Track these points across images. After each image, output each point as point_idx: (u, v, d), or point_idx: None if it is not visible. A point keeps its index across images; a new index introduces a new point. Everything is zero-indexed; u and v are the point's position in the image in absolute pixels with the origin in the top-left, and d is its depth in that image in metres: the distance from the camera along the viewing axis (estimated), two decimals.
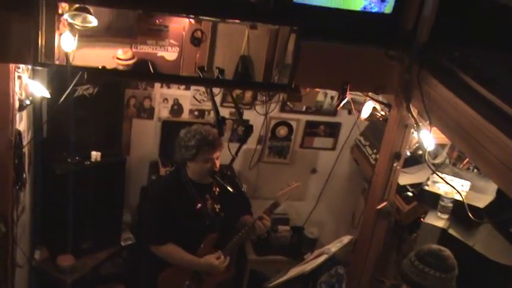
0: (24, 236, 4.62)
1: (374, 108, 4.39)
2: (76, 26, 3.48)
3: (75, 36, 3.49)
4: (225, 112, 5.20)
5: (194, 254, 4.09)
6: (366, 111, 4.39)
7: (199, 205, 4.07)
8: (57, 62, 3.45)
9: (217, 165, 4.03)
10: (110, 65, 3.87)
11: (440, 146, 4.57)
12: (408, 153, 4.39)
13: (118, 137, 5.29)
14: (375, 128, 5.41)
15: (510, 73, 3.42)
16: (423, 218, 4.21)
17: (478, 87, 3.13)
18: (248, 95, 5.66)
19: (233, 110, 5.37)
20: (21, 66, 3.56)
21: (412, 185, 4.69)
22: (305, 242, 6.20)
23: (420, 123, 3.70)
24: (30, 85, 3.71)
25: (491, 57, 3.45)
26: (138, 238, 5.35)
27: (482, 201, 3.93)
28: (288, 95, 4.59)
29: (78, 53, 3.60)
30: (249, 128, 3.94)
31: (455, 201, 3.93)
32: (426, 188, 4.23)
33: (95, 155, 4.96)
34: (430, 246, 3.09)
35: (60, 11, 3.48)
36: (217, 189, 4.17)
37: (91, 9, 3.49)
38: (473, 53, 3.45)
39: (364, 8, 3.79)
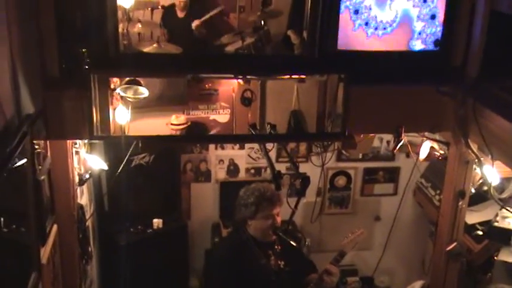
0: None
1: (432, 148, 4.29)
2: (128, 99, 3.58)
3: (128, 108, 3.59)
4: (280, 167, 5.19)
5: None
6: (423, 152, 4.29)
7: (264, 261, 4.02)
8: (115, 135, 3.53)
9: (279, 221, 4.00)
10: (164, 132, 3.95)
11: (506, 179, 4.39)
12: (473, 190, 4.24)
13: (178, 203, 5.35)
14: (435, 168, 5.28)
15: None
16: (496, 256, 4.02)
17: None
18: (302, 148, 5.65)
19: (289, 164, 5.36)
20: (78, 141, 3.67)
21: (480, 223, 4.51)
22: None
23: (482, 158, 3.58)
24: (88, 159, 3.81)
25: None
26: None
27: None
28: (343, 143, 4.55)
29: (132, 125, 3.68)
30: (305, 180, 3.91)
31: None
32: (496, 224, 4.06)
33: (157, 222, 5.01)
34: (503, 286, 2.95)
35: (112, 86, 3.61)
36: (280, 247, 4.12)
37: (142, 81, 3.60)
38: None
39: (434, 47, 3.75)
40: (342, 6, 3.55)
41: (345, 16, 3.58)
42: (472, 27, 3.49)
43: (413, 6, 3.65)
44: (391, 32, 3.69)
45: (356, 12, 3.61)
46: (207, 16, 4.61)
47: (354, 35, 3.63)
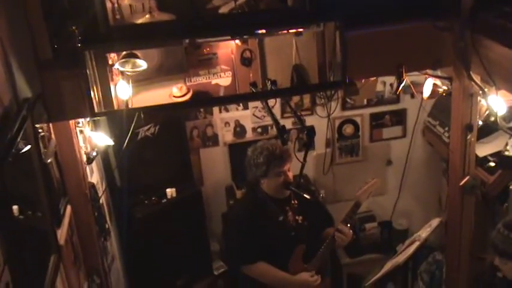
0: (120, 283, 4.73)
1: (435, 85, 4.26)
2: (127, 73, 3.57)
3: (129, 82, 3.58)
4: (286, 122, 5.19)
5: (285, 268, 4.06)
6: (427, 90, 4.26)
7: (282, 217, 4.05)
8: (117, 109, 3.52)
9: (290, 176, 4.02)
10: (169, 101, 3.95)
11: None
12: (480, 123, 4.22)
13: (189, 170, 5.37)
14: (441, 105, 5.25)
15: None
16: (511, 185, 4.03)
17: None
18: (306, 100, 5.63)
19: (294, 119, 5.35)
20: (81, 120, 3.67)
21: (491, 155, 4.49)
22: (396, 235, 6.07)
23: (486, 89, 3.55)
24: (93, 137, 3.82)
25: None
26: (229, 264, 5.38)
27: None
28: (345, 90, 4.53)
29: (135, 99, 3.68)
30: (310, 131, 3.92)
31: None
32: (507, 153, 4.06)
33: (170, 191, 5.04)
34: None
35: (110, 62, 3.59)
36: (296, 202, 4.15)
37: (139, 53, 3.57)
38: None
39: None
40: None
41: None
42: None
43: None
44: None
45: None
46: None
47: None
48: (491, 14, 3.31)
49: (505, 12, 3.22)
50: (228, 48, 4.32)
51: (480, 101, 3.88)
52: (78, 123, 3.66)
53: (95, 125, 3.98)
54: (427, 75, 4.27)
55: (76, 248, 3.44)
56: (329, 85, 4.00)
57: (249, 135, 5.66)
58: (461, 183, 4.13)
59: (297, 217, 4.13)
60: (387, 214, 6.25)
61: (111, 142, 3.82)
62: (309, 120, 5.56)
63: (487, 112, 4.28)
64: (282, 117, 5.47)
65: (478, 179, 4.28)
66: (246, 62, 4.24)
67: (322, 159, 5.84)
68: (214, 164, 5.70)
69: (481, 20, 3.37)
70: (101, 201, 4.10)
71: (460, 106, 3.95)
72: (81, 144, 3.71)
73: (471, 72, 3.57)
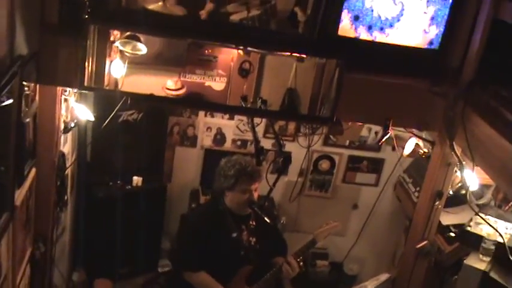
0: (63, 257, 4.69)
1: (417, 145, 4.32)
2: (126, 53, 3.57)
3: (125, 63, 3.58)
4: (266, 143, 5.22)
5: (226, 285, 4.06)
6: (408, 148, 4.32)
7: (235, 234, 4.06)
8: (106, 88, 3.53)
9: (255, 196, 4.03)
10: (158, 93, 3.94)
11: (485, 186, 4.45)
12: (451, 192, 4.29)
13: (160, 164, 5.37)
14: (419, 165, 5.31)
15: None
16: (465, 260, 4.08)
17: None
18: (291, 127, 5.67)
19: (275, 142, 5.37)
20: (68, 89, 3.66)
21: (454, 225, 4.56)
22: (343, 279, 6.11)
23: (464, 162, 3.61)
24: (76, 108, 3.81)
25: None
26: (173, 266, 5.37)
27: None
28: (330, 127, 4.57)
29: (127, 80, 3.67)
30: (287, 159, 3.93)
31: (498, 244, 3.80)
32: (469, 229, 4.11)
33: (137, 180, 5.03)
34: None
35: (112, 38, 3.59)
36: (254, 223, 4.16)
37: (141, 37, 3.58)
38: None
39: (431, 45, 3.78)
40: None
41: (345, 24, 3.61)
42: (473, 32, 3.50)
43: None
44: (396, 27, 3.70)
45: (356, 18, 3.62)
46: None
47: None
48: (487, 93, 3.39)
49: (501, 96, 3.30)
50: (229, 54, 4.33)
51: (456, 171, 3.95)
52: (65, 91, 3.65)
53: (81, 97, 3.97)
54: (411, 134, 4.33)
55: (30, 211, 3.41)
56: (317, 119, 4.03)
57: (228, 145, 5.68)
58: (418, 246, 4.18)
59: (251, 238, 4.14)
60: (341, 256, 6.29)
61: (91, 118, 3.81)
62: (289, 146, 5.60)
63: (459, 184, 4.35)
64: (264, 136, 5.50)
65: (436, 245, 4.34)
66: (243, 72, 4.25)
67: (292, 187, 5.87)
68: (187, 165, 5.70)
69: (475, 96, 3.44)
70: (66, 172, 4.08)
71: (435, 171, 4.01)
72: (63, 112, 3.69)
73: (454, 143, 3.64)
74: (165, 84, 4.01)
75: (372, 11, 3.64)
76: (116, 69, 3.53)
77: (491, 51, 3.53)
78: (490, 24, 3.42)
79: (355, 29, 3.66)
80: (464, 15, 3.61)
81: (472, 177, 3.57)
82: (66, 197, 4.13)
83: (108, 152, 4.80)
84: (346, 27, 3.65)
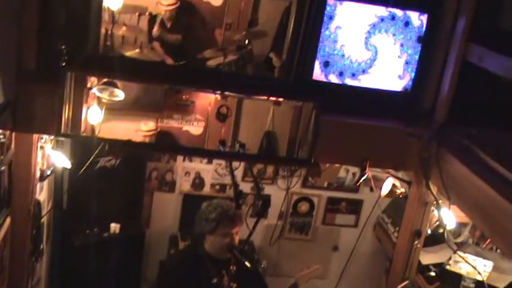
0: None
1: (394, 185, 4.36)
2: (103, 100, 3.59)
3: (102, 109, 3.59)
4: (245, 187, 5.22)
5: None
6: (386, 188, 4.36)
7: (216, 280, 4.01)
8: (83, 134, 3.53)
9: (236, 240, 4.01)
10: (135, 137, 3.95)
11: (463, 224, 4.49)
12: (429, 231, 4.31)
13: (138, 210, 5.33)
14: (397, 205, 5.35)
15: None
16: None
17: (496, 165, 3.10)
18: (270, 170, 5.68)
19: (254, 185, 5.38)
20: (45, 136, 3.65)
21: (434, 265, 4.58)
22: None
23: (440, 201, 3.66)
24: (52, 156, 3.79)
25: (508, 137, 3.44)
26: None
27: (503, 281, 3.81)
28: (308, 169, 4.60)
29: (104, 126, 3.68)
30: (266, 202, 3.94)
31: (478, 282, 3.82)
32: (448, 267, 4.14)
33: (114, 227, 4.97)
34: None
35: (89, 85, 3.61)
36: (235, 268, 4.12)
37: (119, 83, 3.61)
38: (491, 132, 3.45)
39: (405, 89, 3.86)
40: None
41: (315, 71, 3.70)
42: (444, 74, 3.60)
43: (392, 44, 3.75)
44: (369, 73, 3.79)
45: (326, 64, 3.70)
46: None
47: None
48: (459, 133, 3.46)
49: (472, 135, 3.37)
50: (206, 99, 4.37)
51: (433, 210, 3.98)
52: (41, 138, 3.63)
53: (57, 144, 3.95)
54: (388, 174, 4.38)
55: (4, 261, 3.35)
56: (295, 161, 4.07)
57: (207, 190, 5.66)
58: (399, 287, 4.18)
59: (231, 283, 4.08)
60: None
61: (68, 165, 3.79)
62: (268, 189, 5.60)
63: (437, 223, 4.39)
64: (243, 180, 5.50)
65: (416, 286, 4.33)
66: (221, 117, 4.28)
67: (272, 230, 5.85)
68: (165, 210, 5.66)
69: (448, 136, 3.51)
70: (42, 220, 4.03)
71: (413, 211, 4.05)
72: (39, 160, 3.67)
73: (430, 182, 3.69)
74: (140, 127, 4.03)
75: (343, 56, 3.73)
76: (93, 115, 3.54)
77: (461, 92, 3.63)
78: (459, 66, 3.51)
79: (325, 76, 3.73)
80: (434, 58, 3.72)
81: (449, 216, 3.61)
82: (41, 247, 4.07)
83: (85, 199, 4.75)
84: (317, 73, 3.73)
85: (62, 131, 3.23)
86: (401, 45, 3.76)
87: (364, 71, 3.78)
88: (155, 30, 4.56)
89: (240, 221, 3.99)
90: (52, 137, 3.65)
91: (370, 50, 3.74)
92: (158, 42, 4.66)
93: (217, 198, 4.16)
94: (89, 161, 3.64)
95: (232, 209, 3.96)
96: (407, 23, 3.74)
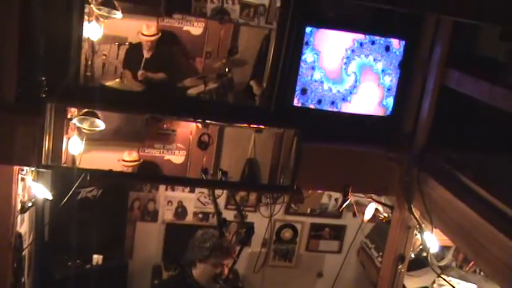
0: None
1: (377, 210, 4.37)
2: (84, 130, 3.57)
3: (82, 139, 3.57)
4: (228, 215, 5.18)
5: None
6: (368, 213, 4.37)
7: None
8: (64, 165, 3.51)
9: (226, 272, 3.99)
10: (117, 168, 3.93)
11: (446, 248, 4.50)
12: (413, 256, 4.32)
13: (121, 240, 5.27)
14: (380, 230, 5.35)
15: (507, 174, 3.44)
16: None
17: (477, 188, 3.14)
18: (252, 197, 5.67)
19: (237, 213, 5.36)
20: (25, 168, 3.62)
21: None
22: None
23: (423, 225, 3.67)
24: (33, 187, 3.75)
25: (488, 159, 3.49)
26: None
27: None
28: (291, 196, 4.60)
29: (85, 156, 3.66)
30: (250, 230, 3.93)
31: None
32: None
33: (97, 258, 4.92)
34: None
35: (69, 116, 3.59)
36: None
37: (99, 113, 3.60)
38: (471, 155, 3.50)
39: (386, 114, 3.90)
40: None
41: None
42: (423, 99, 3.65)
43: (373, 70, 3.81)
44: (349, 101, 3.83)
45: (304, 92, 3.73)
46: None
47: None
48: (439, 157, 3.50)
49: (452, 159, 3.41)
50: (188, 128, 4.37)
51: (416, 234, 4.00)
52: (22, 170, 3.60)
53: (38, 175, 3.91)
54: (371, 199, 4.39)
55: None
56: (277, 188, 4.08)
57: (189, 219, 5.63)
58: None
59: None
60: None
61: (49, 196, 3.75)
62: (251, 217, 5.59)
63: (420, 247, 4.40)
64: (226, 208, 5.48)
65: None
66: (202, 145, 4.28)
67: (256, 258, 5.82)
68: (148, 240, 5.61)
69: (429, 161, 3.55)
70: (23, 253, 3.97)
71: (396, 235, 4.05)
72: (19, 191, 3.63)
73: (412, 206, 3.71)
74: (121, 157, 4.01)
75: (322, 82, 3.76)
76: (74, 146, 3.52)
77: (441, 116, 3.68)
78: (438, 91, 3.57)
79: (303, 103, 3.76)
80: (413, 83, 3.77)
81: (431, 240, 3.63)
82: (23, 279, 4.00)
83: (67, 230, 4.69)
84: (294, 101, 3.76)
85: (43, 162, 3.21)
86: (383, 70, 3.81)
87: (344, 99, 3.81)
88: (140, 74, 4.56)
89: (233, 254, 3.99)
90: (33, 169, 3.61)
91: (350, 76, 3.78)
92: (129, 71, 4.66)
93: (213, 229, 4.14)
94: (70, 192, 3.61)
95: (227, 241, 3.96)
96: (388, 48, 3.79)
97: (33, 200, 3.84)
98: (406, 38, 3.79)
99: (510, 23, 3.27)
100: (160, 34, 4.66)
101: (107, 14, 4.17)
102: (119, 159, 4.08)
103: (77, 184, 3.49)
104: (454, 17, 3.32)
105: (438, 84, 3.55)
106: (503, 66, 3.90)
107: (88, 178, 3.41)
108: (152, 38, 4.62)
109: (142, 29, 4.62)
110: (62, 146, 3.44)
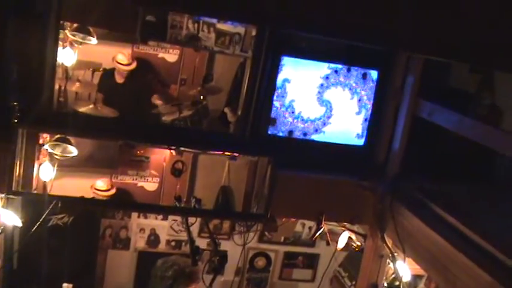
0: None
1: (350, 239, 4.38)
2: (56, 156, 3.54)
3: (54, 166, 3.54)
4: (202, 243, 5.12)
5: None
6: (342, 242, 4.37)
7: None
8: (35, 192, 3.46)
9: None
10: (89, 194, 3.89)
11: (418, 276, 4.51)
12: (385, 284, 4.33)
13: (92, 269, 5.18)
14: (353, 258, 5.36)
15: (479, 203, 3.49)
16: None
17: (448, 217, 3.18)
18: (226, 225, 5.64)
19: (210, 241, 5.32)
20: None
21: None
22: None
23: (395, 254, 3.69)
24: (2, 214, 3.67)
25: (459, 188, 3.54)
26: None
27: None
28: (264, 224, 4.59)
29: (56, 183, 3.62)
30: (223, 258, 3.90)
31: None
32: None
33: (67, 287, 4.81)
34: None
35: (41, 141, 3.56)
36: None
37: (72, 140, 3.57)
38: (442, 184, 3.54)
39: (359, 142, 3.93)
40: None
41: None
42: (396, 129, 3.70)
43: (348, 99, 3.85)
44: (323, 132, 3.86)
45: (273, 122, 3.77)
46: None
47: None
48: (412, 186, 3.54)
49: (424, 188, 3.45)
50: (161, 155, 4.37)
51: (388, 263, 4.01)
52: None
53: (8, 202, 3.84)
54: (344, 228, 4.40)
55: None
56: (251, 216, 4.06)
57: (162, 247, 5.57)
58: None
59: None
60: None
61: (19, 223, 3.68)
62: (225, 245, 5.54)
63: (393, 275, 4.40)
64: (199, 235, 5.42)
65: None
66: (176, 172, 4.27)
67: (229, 286, 5.76)
68: (120, 269, 5.52)
69: (402, 190, 3.58)
70: None
71: (369, 264, 4.07)
72: None
73: (385, 235, 3.73)
74: (94, 184, 3.97)
75: (293, 112, 3.79)
76: (45, 172, 3.48)
77: (414, 146, 3.73)
78: (410, 121, 3.62)
79: (275, 132, 3.78)
80: (386, 113, 3.83)
81: (404, 268, 3.64)
82: None
83: (37, 258, 4.59)
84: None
85: (13, 188, 3.17)
86: (357, 100, 3.85)
87: (317, 130, 3.84)
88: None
89: (197, 279, 3.94)
90: (2, 195, 3.55)
91: (324, 105, 3.82)
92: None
93: (174, 255, 4.09)
94: (41, 219, 3.56)
95: (189, 266, 3.90)
96: (362, 78, 3.84)
97: (2, 227, 3.76)
98: (379, 69, 3.85)
99: (477, 61, 3.36)
100: (135, 64, 4.68)
101: (81, 40, 4.18)
102: (91, 186, 4.05)
103: (47, 211, 3.44)
104: (424, 55, 3.40)
105: (410, 114, 3.61)
106: (473, 97, 3.99)
107: (59, 205, 3.37)
108: (127, 68, 4.63)
109: (117, 57, 4.64)
110: (33, 172, 3.40)
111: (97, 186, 4.07)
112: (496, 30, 2.96)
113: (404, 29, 3.04)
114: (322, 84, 3.79)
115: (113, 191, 4.14)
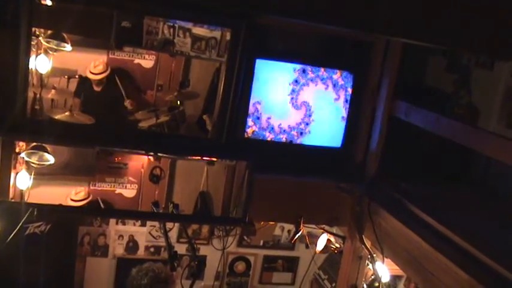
0: None
1: (329, 241, 4.41)
2: (32, 164, 3.50)
3: (31, 174, 3.50)
4: (180, 248, 5.12)
5: None
6: (320, 244, 4.40)
7: None
8: (11, 200, 3.42)
9: None
10: (66, 202, 3.85)
11: (397, 277, 4.55)
12: (365, 286, 4.35)
13: (70, 277, 5.12)
14: (332, 260, 5.38)
15: (456, 203, 3.53)
16: None
17: (426, 217, 3.20)
18: (205, 230, 5.62)
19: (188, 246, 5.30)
20: None
21: None
22: None
23: (374, 255, 3.72)
24: None
25: (437, 188, 3.58)
26: None
27: None
28: (243, 228, 4.59)
29: (33, 191, 3.58)
30: (202, 263, 3.91)
31: None
32: None
33: None
34: None
35: (17, 150, 3.52)
36: None
37: (49, 147, 3.53)
38: (420, 184, 3.58)
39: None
40: None
41: None
42: (372, 130, 3.73)
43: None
44: (302, 132, 3.88)
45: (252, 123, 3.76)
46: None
47: None
48: (389, 187, 3.56)
49: (402, 188, 3.48)
50: (139, 161, 4.35)
51: (368, 264, 4.04)
52: None
53: None
54: (323, 230, 4.43)
55: None
56: (229, 221, 4.07)
57: (141, 253, 5.53)
58: None
59: None
60: None
61: None
62: (204, 250, 5.53)
63: (372, 276, 4.43)
64: (178, 241, 5.40)
65: None
66: (154, 178, 4.26)
67: None
68: (99, 276, 5.47)
69: (379, 191, 3.61)
70: None
71: (348, 266, 4.09)
72: None
73: (363, 236, 3.75)
74: (69, 194, 3.94)
75: (269, 118, 3.80)
76: (22, 180, 3.44)
77: (391, 147, 3.77)
78: (387, 122, 3.65)
79: (253, 135, 3.79)
80: (363, 114, 3.85)
81: (383, 269, 3.67)
82: None
83: (13, 267, 4.53)
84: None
85: None
86: (333, 102, 3.87)
87: (295, 130, 3.86)
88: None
89: (173, 283, 3.94)
90: None
91: (300, 108, 3.84)
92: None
93: (148, 262, 4.09)
94: (18, 227, 3.52)
95: (164, 271, 3.91)
96: (338, 80, 3.86)
97: None
98: (355, 70, 3.88)
99: (453, 44, 3.35)
100: (109, 71, 4.65)
101: (55, 47, 4.14)
102: (67, 196, 4.02)
103: (24, 219, 3.41)
104: (403, 39, 3.36)
105: (387, 115, 3.64)
106: (449, 96, 4.04)
107: (36, 213, 3.33)
108: (100, 76, 4.60)
109: (90, 67, 4.60)
110: (9, 180, 3.36)
111: (72, 196, 4.04)
112: (475, 14, 2.95)
113: (383, 13, 3.03)
114: (293, 90, 3.80)
115: (88, 200, 4.11)
